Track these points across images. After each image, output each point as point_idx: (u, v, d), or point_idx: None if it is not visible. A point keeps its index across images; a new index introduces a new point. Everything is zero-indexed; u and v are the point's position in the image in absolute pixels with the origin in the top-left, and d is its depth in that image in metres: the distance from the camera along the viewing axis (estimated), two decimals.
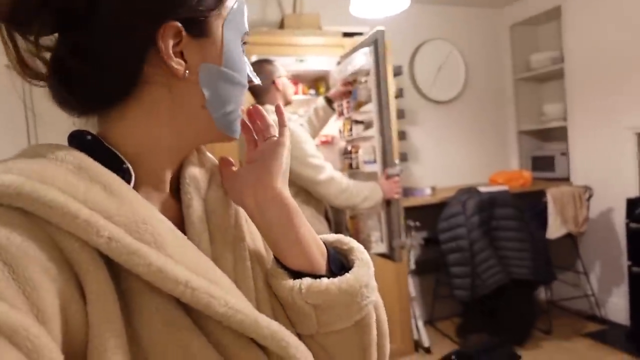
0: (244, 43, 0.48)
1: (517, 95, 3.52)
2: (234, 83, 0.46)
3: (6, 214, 0.32)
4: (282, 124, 0.50)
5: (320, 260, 0.46)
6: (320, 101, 2.07)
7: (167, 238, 0.38)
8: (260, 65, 1.79)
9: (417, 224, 2.79)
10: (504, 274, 2.54)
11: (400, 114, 2.84)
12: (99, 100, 0.42)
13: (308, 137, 1.77)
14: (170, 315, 0.37)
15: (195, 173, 0.49)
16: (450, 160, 3.39)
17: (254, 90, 1.79)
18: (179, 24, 0.41)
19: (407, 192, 2.88)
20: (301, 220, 0.46)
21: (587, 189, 2.85)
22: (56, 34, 0.41)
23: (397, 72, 2.81)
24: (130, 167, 0.42)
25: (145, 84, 0.42)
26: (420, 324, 2.75)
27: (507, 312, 2.68)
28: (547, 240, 2.74)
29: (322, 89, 2.66)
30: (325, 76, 2.59)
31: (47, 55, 0.42)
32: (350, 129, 2.16)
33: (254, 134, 0.52)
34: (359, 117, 2.11)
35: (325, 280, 0.44)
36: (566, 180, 3.16)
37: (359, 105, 2.06)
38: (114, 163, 0.41)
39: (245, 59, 0.48)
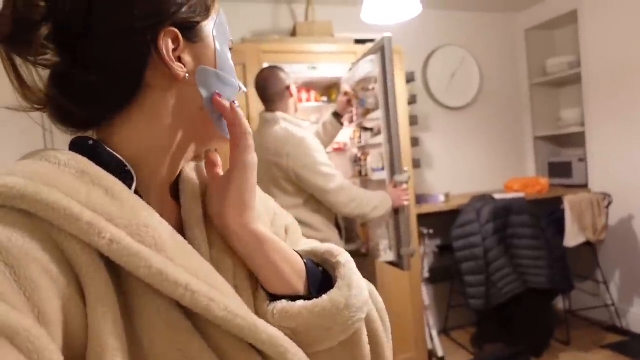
0: (230, 49, 0.51)
1: (533, 101, 3.47)
2: (228, 84, 0.48)
3: (9, 216, 0.33)
4: (234, 123, 0.47)
5: (297, 282, 0.46)
6: (329, 116, 2.08)
7: (168, 241, 0.39)
8: (273, 72, 1.79)
9: (431, 231, 2.76)
10: (519, 282, 2.49)
11: (413, 120, 2.82)
12: (105, 108, 0.43)
13: (320, 146, 1.77)
14: (170, 318, 0.37)
15: (194, 177, 0.50)
16: (464, 167, 3.35)
17: (267, 96, 1.80)
18: (176, 30, 0.43)
19: (420, 199, 2.85)
20: (272, 245, 0.46)
21: (605, 195, 2.78)
22: (52, 53, 0.40)
23: (410, 79, 2.80)
24: (132, 170, 0.43)
25: (147, 88, 0.43)
26: (435, 333, 2.70)
27: (523, 321, 2.62)
28: (565, 248, 2.67)
29: (334, 96, 2.66)
30: (338, 83, 2.59)
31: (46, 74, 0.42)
32: (360, 136, 2.16)
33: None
34: (368, 125, 2.11)
35: (298, 303, 0.44)
36: (584, 187, 3.08)
37: (366, 112, 2.05)
38: (115, 167, 0.42)
39: (232, 64, 0.50)
